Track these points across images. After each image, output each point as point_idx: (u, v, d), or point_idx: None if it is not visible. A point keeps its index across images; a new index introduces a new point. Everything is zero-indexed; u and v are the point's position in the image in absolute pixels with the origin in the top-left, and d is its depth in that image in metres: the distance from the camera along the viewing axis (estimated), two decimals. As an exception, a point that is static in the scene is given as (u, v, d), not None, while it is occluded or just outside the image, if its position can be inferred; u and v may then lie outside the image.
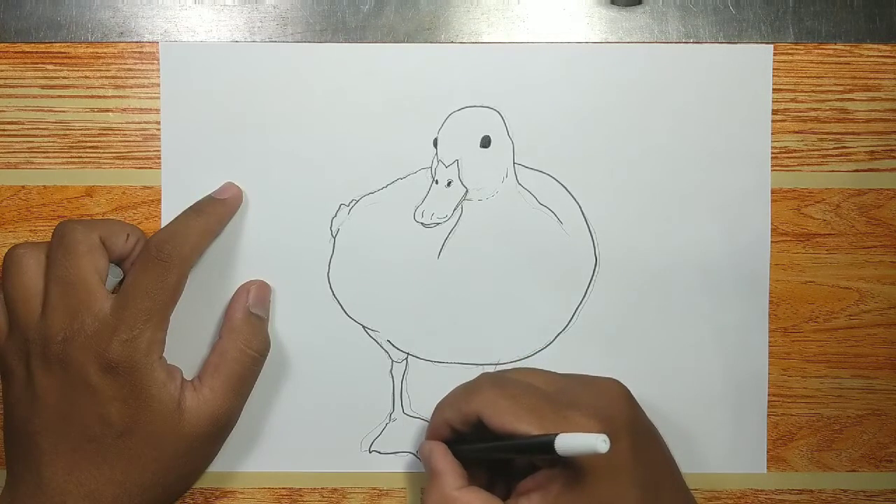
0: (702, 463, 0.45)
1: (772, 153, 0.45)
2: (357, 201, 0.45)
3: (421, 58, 0.44)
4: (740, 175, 0.45)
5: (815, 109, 0.45)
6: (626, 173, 0.45)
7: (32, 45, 0.44)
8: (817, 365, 0.45)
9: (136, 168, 0.44)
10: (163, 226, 0.44)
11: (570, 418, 0.38)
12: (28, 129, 0.44)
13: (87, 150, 0.44)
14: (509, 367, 0.44)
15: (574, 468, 0.37)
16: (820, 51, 0.45)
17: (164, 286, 0.40)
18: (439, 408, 0.42)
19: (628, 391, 0.40)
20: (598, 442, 0.34)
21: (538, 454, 0.38)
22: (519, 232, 0.45)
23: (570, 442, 0.35)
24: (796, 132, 0.45)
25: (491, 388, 0.40)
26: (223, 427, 0.42)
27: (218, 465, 0.44)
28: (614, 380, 0.41)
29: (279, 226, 0.44)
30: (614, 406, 0.39)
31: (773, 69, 0.44)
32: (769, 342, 0.45)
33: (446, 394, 0.43)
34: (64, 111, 0.44)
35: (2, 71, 0.44)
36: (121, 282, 0.43)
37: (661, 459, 0.40)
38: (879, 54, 0.45)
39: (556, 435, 0.35)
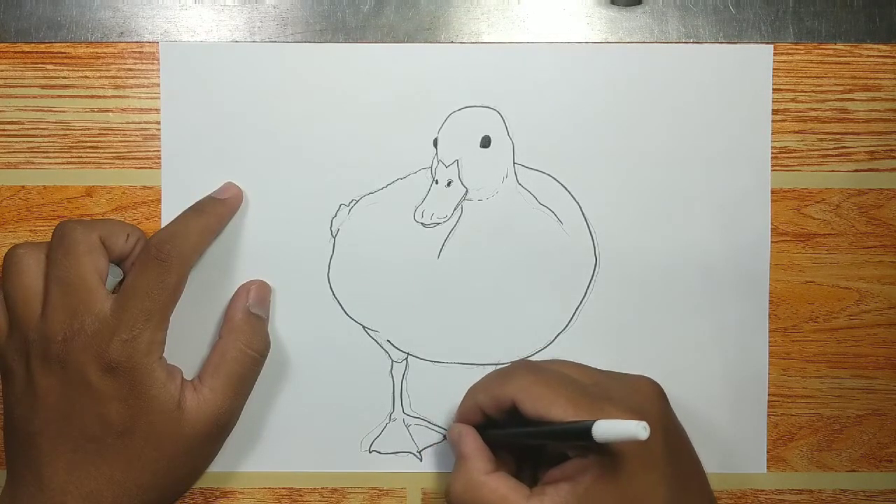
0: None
1: (772, 153, 0.45)
2: (357, 201, 0.45)
3: (421, 58, 0.44)
4: (740, 175, 0.45)
5: (815, 109, 0.45)
6: (626, 173, 0.45)
7: (32, 45, 0.44)
8: (817, 365, 0.45)
9: (136, 168, 0.44)
10: (163, 226, 0.44)
11: (604, 410, 0.38)
12: (28, 129, 0.44)
13: (87, 150, 0.44)
14: (547, 360, 0.44)
15: (606, 460, 0.37)
16: (820, 51, 0.45)
17: (164, 286, 0.40)
18: (472, 391, 0.43)
19: (662, 390, 0.41)
20: (638, 429, 0.34)
21: (573, 440, 0.37)
22: (519, 232, 0.45)
23: (609, 428, 0.35)
24: (796, 132, 0.45)
25: (526, 374, 0.40)
26: (223, 427, 0.42)
27: (218, 465, 0.44)
28: (649, 378, 0.41)
29: (279, 226, 0.44)
30: (648, 402, 0.40)
31: (773, 69, 0.44)
32: (769, 342, 0.45)
33: (478, 379, 0.43)
34: (64, 111, 0.44)
35: (2, 71, 0.44)
36: (121, 282, 0.43)
37: (689, 459, 0.41)
38: (879, 54, 0.45)
39: (595, 421, 0.35)
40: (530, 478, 0.41)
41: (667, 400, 0.41)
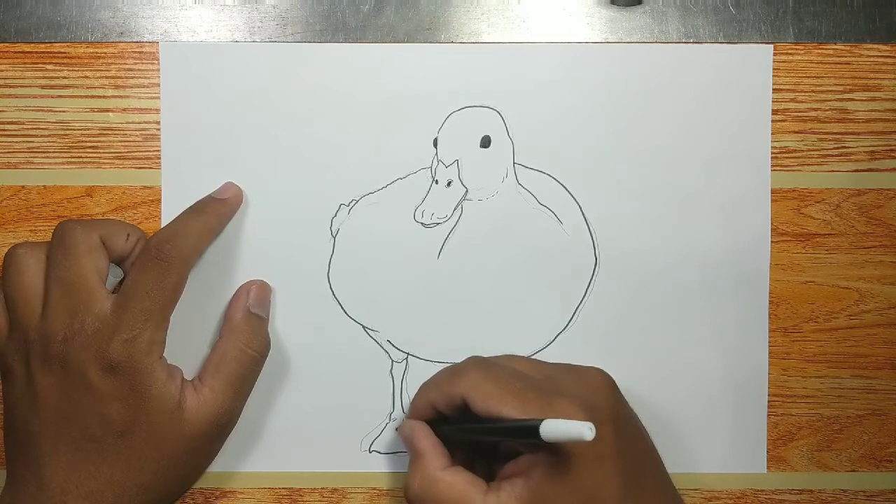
0: (702, 463, 0.45)
1: (772, 153, 0.45)
2: (357, 201, 0.45)
3: (421, 58, 0.44)
4: (740, 175, 0.45)
5: (815, 109, 0.45)
6: (626, 173, 0.45)
7: (32, 45, 0.44)
8: (817, 365, 0.45)
9: (136, 168, 0.44)
10: (163, 226, 0.44)
11: (554, 404, 0.38)
12: (28, 129, 0.44)
13: (87, 150, 0.44)
14: (497, 355, 0.44)
15: (557, 454, 0.38)
16: (820, 51, 0.45)
17: (164, 286, 0.40)
18: (424, 388, 0.43)
19: (612, 381, 0.41)
20: (584, 430, 0.34)
21: (522, 438, 0.38)
22: (519, 232, 0.45)
23: (555, 428, 0.35)
24: (796, 132, 0.45)
25: (477, 371, 0.40)
26: (223, 427, 0.42)
27: (218, 465, 0.44)
28: (599, 369, 0.41)
29: (279, 226, 0.44)
30: (598, 395, 0.40)
31: (773, 69, 0.44)
32: (769, 342, 0.45)
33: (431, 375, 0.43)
34: (64, 111, 0.44)
35: (2, 71, 0.44)
36: (121, 282, 0.43)
37: (643, 449, 0.41)
38: (879, 54, 0.45)
39: (542, 420, 0.35)
40: (485, 472, 0.41)
41: (617, 391, 0.41)
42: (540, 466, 0.38)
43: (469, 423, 0.40)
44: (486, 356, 0.43)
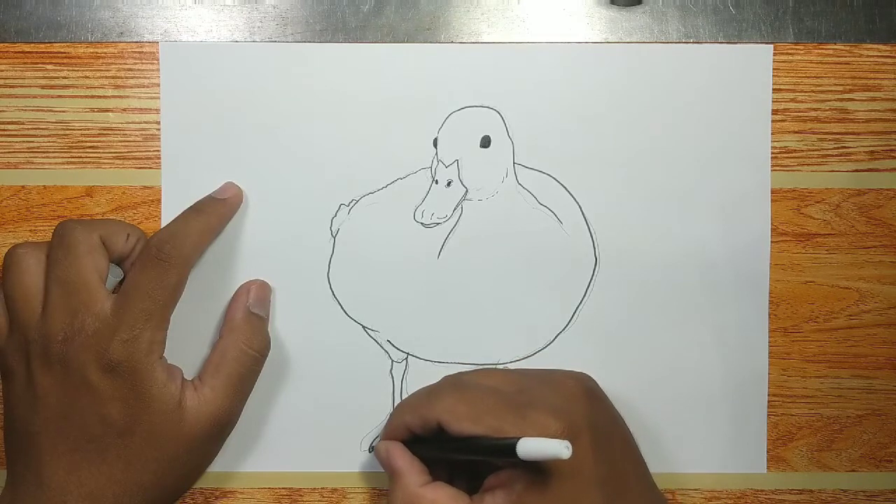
0: (702, 463, 0.45)
1: (772, 153, 0.45)
2: (357, 201, 0.45)
3: (421, 58, 0.44)
4: (740, 175, 0.45)
5: (815, 109, 0.45)
6: (626, 173, 0.45)
7: (32, 45, 0.44)
8: (817, 365, 0.45)
9: (136, 168, 0.44)
10: (163, 226, 0.44)
11: (528, 417, 0.38)
12: (28, 129, 0.44)
13: (87, 150, 0.44)
14: (472, 369, 0.44)
15: (536, 467, 0.38)
16: (820, 51, 0.45)
17: (164, 286, 0.40)
18: (399, 410, 0.43)
19: (588, 386, 0.41)
20: (560, 448, 0.35)
21: (500, 457, 0.38)
22: (519, 232, 0.45)
23: (531, 447, 0.35)
24: (796, 132, 0.45)
25: (451, 393, 0.40)
26: (223, 427, 0.42)
27: (218, 465, 0.44)
28: (575, 375, 0.41)
29: (279, 226, 0.44)
30: (574, 404, 0.40)
31: (773, 69, 0.44)
32: (769, 342, 0.45)
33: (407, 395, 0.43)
34: (64, 111, 0.44)
35: (2, 71, 0.44)
36: (121, 282, 0.43)
37: (623, 455, 0.41)
38: (879, 54, 0.45)
39: (518, 439, 0.36)
40: (466, 485, 0.41)
41: (594, 395, 0.41)
42: (521, 479, 0.38)
43: (446, 441, 0.40)
44: (462, 373, 0.43)
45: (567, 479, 0.38)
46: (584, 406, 0.40)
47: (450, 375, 0.43)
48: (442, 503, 0.39)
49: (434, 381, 0.44)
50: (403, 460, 0.41)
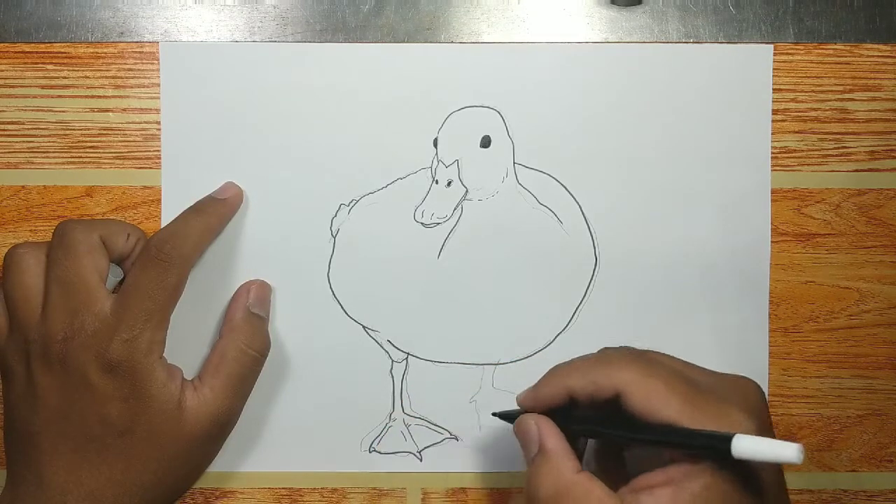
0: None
1: (772, 153, 0.45)
2: (357, 201, 0.45)
3: (421, 58, 0.44)
4: (740, 175, 0.45)
5: (815, 109, 0.45)
6: (626, 173, 0.45)
7: (32, 45, 0.44)
8: (817, 365, 0.45)
9: (136, 168, 0.44)
10: (163, 226, 0.44)
11: (727, 414, 0.34)
12: (28, 129, 0.44)
13: (87, 150, 0.44)
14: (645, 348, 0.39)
15: (723, 469, 0.34)
16: (820, 51, 0.45)
17: (164, 286, 0.40)
18: (560, 374, 0.38)
19: (764, 394, 0.38)
20: (794, 452, 0.31)
21: (702, 451, 0.34)
22: (519, 232, 0.45)
23: (755, 446, 0.32)
24: (796, 132, 0.45)
25: (636, 364, 0.36)
26: (223, 427, 0.42)
27: (218, 465, 0.44)
28: (752, 380, 0.38)
29: (279, 226, 0.44)
30: (761, 407, 0.36)
31: (773, 69, 0.44)
32: (769, 342, 0.45)
33: (565, 361, 0.39)
34: (64, 111, 0.44)
35: (2, 71, 0.44)
36: (121, 282, 0.43)
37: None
38: (879, 54, 0.45)
39: (734, 435, 0.32)
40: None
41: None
42: (697, 479, 0.34)
43: (599, 418, 0.36)
44: (637, 349, 0.38)
45: (759, 488, 0.34)
46: (767, 411, 0.37)
47: (626, 346, 0.38)
48: (597, 495, 0.35)
49: (435, 381, 0.44)
50: (557, 440, 0.36)
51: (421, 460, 0.45)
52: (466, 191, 0.44)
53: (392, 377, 0.45)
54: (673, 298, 0.45)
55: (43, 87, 0.44)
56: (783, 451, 0.31)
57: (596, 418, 0.37)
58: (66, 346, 0.39)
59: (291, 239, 0.44)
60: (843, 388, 0.45)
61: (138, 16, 0.44)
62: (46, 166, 0.44)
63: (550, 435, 0.37)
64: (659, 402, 0.35)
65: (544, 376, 0.39)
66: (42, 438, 0.40)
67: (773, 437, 0.36)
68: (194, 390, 0.41)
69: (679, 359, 0.38)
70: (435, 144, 0.44)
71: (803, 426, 0.45)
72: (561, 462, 0.36)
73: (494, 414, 0.41)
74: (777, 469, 0.35)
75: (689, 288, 0.45)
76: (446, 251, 0.45)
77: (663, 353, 0.38)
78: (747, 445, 0.32)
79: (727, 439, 0.32)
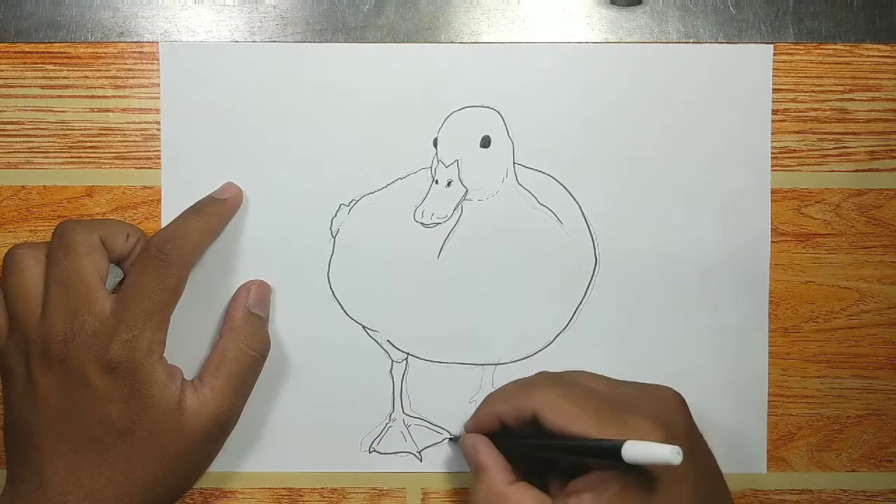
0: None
1: (772, 153, 0.45)
2: (357, 201, 0.45)
3: (421, 58, 0.44)
4: (740, 175, 0.45)
5: (815, 109, 0.45)
6: (626, 173, 0.45)
7: (32, 45, 0.44)
8: (817, 365, 0.45)
9: (136, 168, 0.44)
10: (163, 226, 0.44)
11: (630, 423, 0.37)
12: (28, 129, 0.44)
13: (87, 150, 0.44)
14: (565, 370, 0.44)
15: (632, 473, 0.37)
16: (820, 51, 0.45)
17: (164, 286, 0.40)
18: (490, 400, 0.43)
19: (683, 399, 0.40)
20: (671, 454, 0.33)
21: (600, 458, 0.37)
22: (519, 232, 0.45)
23: (640, 450, 0.34)
24: (796, 132, 0.45)
25: (550, 386, 0.40)
26: (224, 427, 0.42)
27: (218, 465, 0.44)
28: (670, 388, 0.41)
29: (279, 226, 0.44)
30: (674, 414, 0.39)
31: (773, 69, 0.44)
32: (769, 342, 0.45)
33: (498, 387, 0.43)
34: (64, 111, 0.44)
35: (2, 71, 0.44)
36: (121, 282, 0.43)
37: (713, 471, 0.40)
38: (879, 54, 0.45)
39: (624, 441, 0.35)
40: (539, 486, 0.40)
41: (689, 410, 0.40)
42: (612, 483, 0.37)
43: (536, 438, 0.39)
44: (556, 372, 0.43)
45: (664, 489, 0.36)
46: (682, 416, 0.39)
47: (543, 371, 0.43)
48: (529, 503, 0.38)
49: (435, 381, 0.44)
50: (490, 456, 0.40)
51: (421, 460, 0.45)
52: (466, 191, 0.44)
53: (392, 377, 0.45)
54: (673, 298, 0.45)
55: (43, 87, 0.44)
56: (661, 453, 0.34)
57: (526, 437, 0.40)
58: (66, 346, 0.39)
59: (291, 239, 0.44)
60: (843, 388, 0.45)
61: (138, 16, 0.44)
62: (46, 166, 0.44)
63: (484, 452, 0.40)
64: (568, 419, 0.38)
65: (480, 404, 0.43)
66: (42, 439, 0.40)
67: (700, 440, 0.40)
68: (194, 390, 0.41)
69: (600, 376, 0.43)
70: (435, 144, 0.44)
71: (803, 426, 0.45)
72: (494, 475, 0.39)
73: (450, 440, 0.45)
74: (682, 470, 0.36)
75: (688, 288, 0.45)
76: (446, 251, 0.45)
77: (583, 373, 0.43)
78: (634, 450, 0.35)
79: (618, 446, 0.35)
